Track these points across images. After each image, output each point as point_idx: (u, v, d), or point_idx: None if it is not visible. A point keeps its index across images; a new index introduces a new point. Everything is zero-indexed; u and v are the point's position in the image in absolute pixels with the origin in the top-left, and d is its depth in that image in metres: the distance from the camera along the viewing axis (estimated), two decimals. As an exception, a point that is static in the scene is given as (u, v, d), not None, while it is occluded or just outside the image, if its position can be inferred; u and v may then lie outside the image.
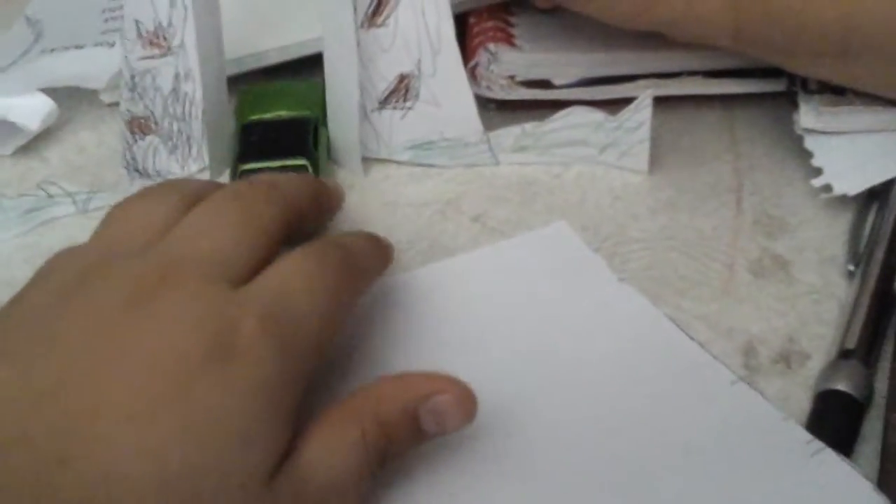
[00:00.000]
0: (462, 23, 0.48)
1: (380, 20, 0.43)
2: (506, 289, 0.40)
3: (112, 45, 0.51)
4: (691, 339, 0.37)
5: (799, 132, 0.43)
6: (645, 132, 0.43)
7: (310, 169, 0.44)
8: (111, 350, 0.28)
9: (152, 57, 0.43)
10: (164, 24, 0.42)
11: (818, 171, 0.42)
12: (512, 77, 0.47)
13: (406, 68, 0.44)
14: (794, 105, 0.43)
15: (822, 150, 0.42)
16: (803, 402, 0.35)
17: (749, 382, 0.35)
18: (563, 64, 0.46)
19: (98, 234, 0.34)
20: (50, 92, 0.49)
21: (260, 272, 0.31)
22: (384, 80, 0.45)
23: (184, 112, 0.44)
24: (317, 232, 0.40)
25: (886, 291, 0.38)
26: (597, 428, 0.34)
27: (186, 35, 0.42)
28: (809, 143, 0.42)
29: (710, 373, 0.35)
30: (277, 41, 0.49)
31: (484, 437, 0.33)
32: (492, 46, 0.46)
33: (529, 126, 0.45)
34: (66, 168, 0.48)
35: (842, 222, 0.41)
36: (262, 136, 0.45)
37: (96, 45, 0.51)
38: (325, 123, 0.46)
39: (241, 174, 0.43)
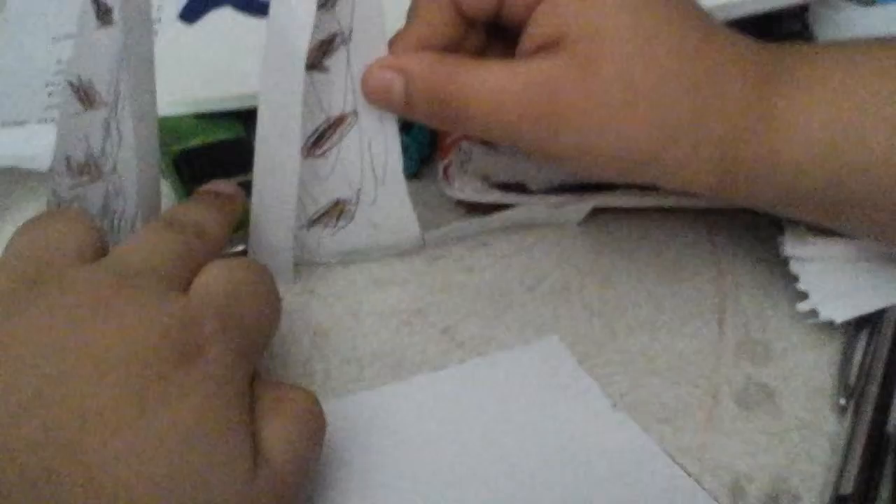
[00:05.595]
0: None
1: (319, 152, 0.40)
2: (496, 405, 0.38)
3: (56, 123, 0.47)
4: (689, 475, 0.35)
5: (783, 256, 0.41)
6: None
7: None
8: (84, 358, 0.28)
9: (81, 185, 0.40)
10: (97, 153, 0.39)
11: (803, 295, 0.40)
12: (486, 178, 0.44)
13: (344, 195, 0.41)
14: (778, 227, 0.41)
15: (808, 275, 0.40)
16: (795, 550, 0.33)
17: (739, 527, 0.33)
18: (539, 168, 0.44)
19: (13, 252, 0.33)
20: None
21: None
22: (315, 204, 0.42)
23: (112, 227, 0.40)
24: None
25: (881, 432, 0.36)
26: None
27: (120, 158, 0.39)
28: (795, 266, 0.41)
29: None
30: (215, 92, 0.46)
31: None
32: (465, 145, 0.44)
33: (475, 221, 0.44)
34: None
35: (830, 350, 0.40)
36: (204, 160, 0.44)
37: (39, 121, 0.48)
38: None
39: None
